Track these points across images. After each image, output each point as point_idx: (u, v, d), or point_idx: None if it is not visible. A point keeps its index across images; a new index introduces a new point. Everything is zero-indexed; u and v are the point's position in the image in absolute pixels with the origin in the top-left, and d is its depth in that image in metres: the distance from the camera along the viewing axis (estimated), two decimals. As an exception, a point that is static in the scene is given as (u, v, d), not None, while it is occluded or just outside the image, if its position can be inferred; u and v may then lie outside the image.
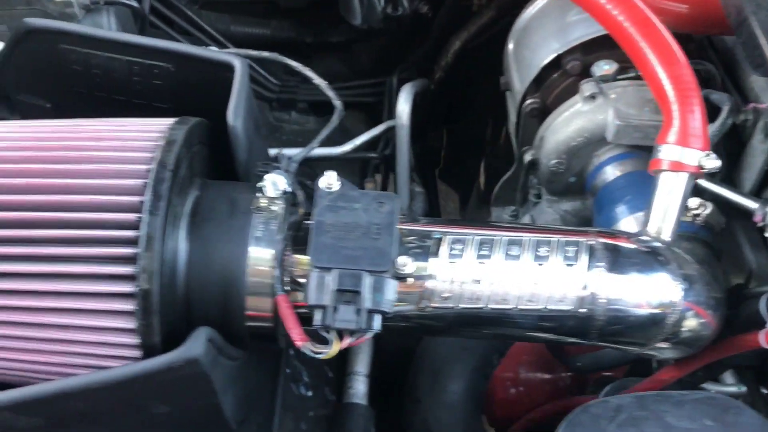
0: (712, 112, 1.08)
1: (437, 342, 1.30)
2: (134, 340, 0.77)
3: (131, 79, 1.07)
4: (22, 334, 0.78)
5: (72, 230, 0.76)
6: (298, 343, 0.78)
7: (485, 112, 1.91)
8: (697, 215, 1.05)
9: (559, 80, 1.29)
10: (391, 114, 1.69)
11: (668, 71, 0.98)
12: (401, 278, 0.81)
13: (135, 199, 0.77)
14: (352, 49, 1.91)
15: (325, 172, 0.84)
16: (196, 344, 0.76)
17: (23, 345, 0.78)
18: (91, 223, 0.77)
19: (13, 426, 0.78)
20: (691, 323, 0.90)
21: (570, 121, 1.20)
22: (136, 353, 0.78)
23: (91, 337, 0.77)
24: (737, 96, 1.14)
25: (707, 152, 0.94)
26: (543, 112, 1.31)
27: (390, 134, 1.54)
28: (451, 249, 0.85)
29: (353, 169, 1.61)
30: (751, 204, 1.01)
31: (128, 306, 0.76)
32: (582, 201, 1.29)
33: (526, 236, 0.87)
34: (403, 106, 1.44)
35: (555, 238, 0.87)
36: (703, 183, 1.02)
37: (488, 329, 0.88)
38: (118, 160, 0.80)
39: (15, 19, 1.22)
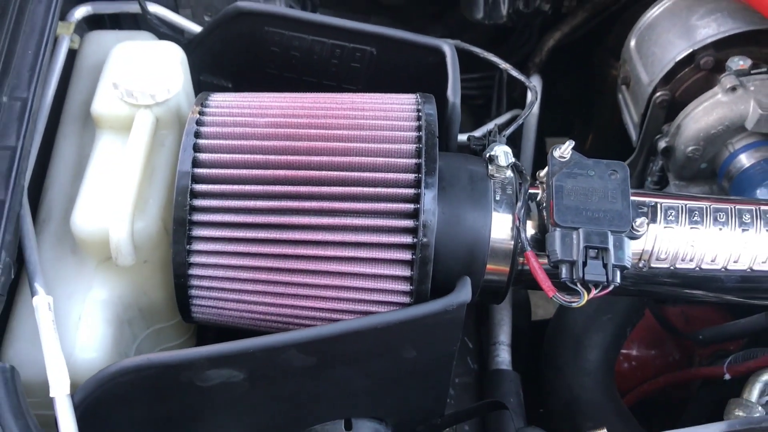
0: None
1: (574, 314, 1.40)
2: (407, 287, 0.86)
3: (330, 61, 1.15)
4: (307, 281, 0.86)
5: (355, 187, 0.85)
6: (550, 294, 0.87)
7: (573, 108, 2.02)
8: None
9: (690, 74, 1.40)
10: (501, 105, 1.79)
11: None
12: (635, 238, 0.90)
13: (411, 161, 0.86)
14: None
15: (557, 145, 0.94)
16: (466, 291, 0.85)
17: (306, 292, 0.86)
18: (372, 181, 0.85)
19: (290, 365, 0.86)
20: None
21: (711, 111, 1.31)
22: (406, 299, 0.87)
23: (369, 284, 0.86)
24: None
25: None
26: (671, 104, 1.42)
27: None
28: (667, 215, 0.96)
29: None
30: None
31: (406, 256, 0.85)
32: (710, 186, 1.40)
33: (728, 206, 0.97)
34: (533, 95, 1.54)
35: (753, 207, 0.98)
36: None
37: (694, 289, 0.98)
38: (387, 127, 0.89)
39: (201, 4, 1.30)
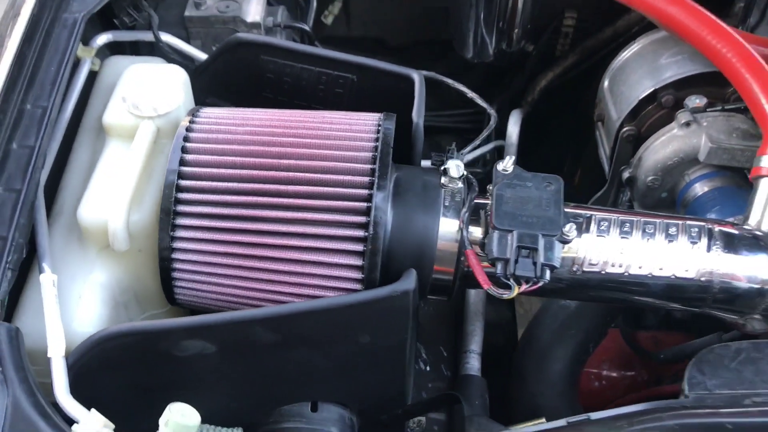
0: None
1: (541, 329, 1.50)
2: (359, 275, 0.99)
3: (317, 87, 1.30)
4: (272, 267, 0.99)
5: (317, 187, 0.99)
6: (485, 286, 0.99)
7: (563, 145, 2.14)
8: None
9: (653, 111, 1.52)
10: (490, 136, 1.93)
11: None
12: (566, 242, 1.02)
13: (367, 166, 1.00)
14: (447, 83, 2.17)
15: (500, 160, 1.07)
16: (410, 280, 0.97)
17: (265, 276, 1.00)
18: (332, 182, 0.99)
19: (257, 341, 0.98)
20: (783, 302, 1.11)
21: (667, 144, 1.43)
22: (358, 287, 0.99)
23: (326, 271, 0.99)
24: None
25: (800, 163, 1.16)
26: (637, 138, 1.54)
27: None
28: (599, 226, 1.07)
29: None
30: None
31: (359, 247, 0.98)
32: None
33: (657, 220, 1.09)
34: (513, 127, 1.68)
35: (680, 222, 1.09)
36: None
37: (623, 294, 1.09)
38: (350, 138, 1.03)
39: (210, 36, 1.47)
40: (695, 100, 1.45)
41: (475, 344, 1.49)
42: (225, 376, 1.05)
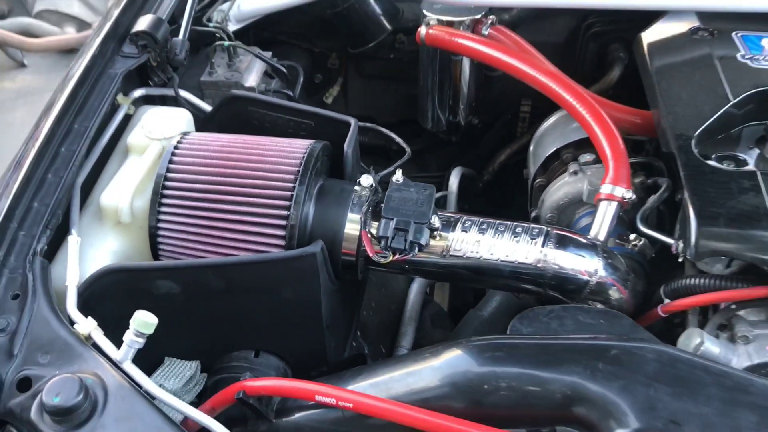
0: (656, 189, 1.69)
1: (458, 334, 1.86)
2: (282, 242, 1.41)
3: (287, 131, 1.77)
4: (225, 236, 1.43)
5: (259, 180, 1.43)
6: (371, 254, 1.40)
7: (521, 211, 2.54)
8: (635, 245, 1.63)
9: (558, 166, 1.93)
10: (442, 187, 2.36)
11: (610, 144, 1.61)
12: (433, 229, 1.43)
13: (294, 169, 1.44)
14: (424, 155, 2.63)
15: (395, 174, 1.49)
16: (316, 246, 1.39)
17: (220, 242, 1.43)
18: (270, 178, 1.44)
19: (206, 285, 1.40)
20: (613, 294, 1.47)
21: (560, 188, 1.83)
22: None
23: (261, 239, 1.42)
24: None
25: (628, 190, 1.54)
26: (546, 188, 1.94)
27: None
28: (464, 224, 1.47)
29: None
30: (670, 240, 1.59)
31: (282, 222, 1.41)
32: (568, 247, 1.87)
33: (508, 222, 1.48)
34: (453, 179, 2.11)
35: (525, 225, 1.48)
36: (644, 229, 1.61)
37: (481, 277, 1.47)
38: (286, 152, 1.48)
39: (218, 96, 1.97)
40: (586, 156, 1.85)
41: (405, 342, 1.85)
42: (188, 317, 1.46)
